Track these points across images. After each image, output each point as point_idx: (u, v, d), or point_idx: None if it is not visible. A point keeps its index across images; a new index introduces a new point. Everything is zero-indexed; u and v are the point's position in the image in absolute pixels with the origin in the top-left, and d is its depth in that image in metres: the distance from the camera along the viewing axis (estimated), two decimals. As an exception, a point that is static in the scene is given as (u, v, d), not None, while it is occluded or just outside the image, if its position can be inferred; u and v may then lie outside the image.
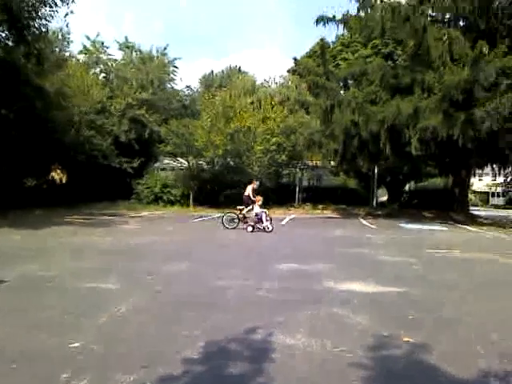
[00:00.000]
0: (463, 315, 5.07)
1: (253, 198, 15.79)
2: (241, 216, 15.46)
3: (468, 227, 19.04)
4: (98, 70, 33.24)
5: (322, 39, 23.25)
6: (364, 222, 20.52)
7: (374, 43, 31.19)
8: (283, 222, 19.26)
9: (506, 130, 17.55)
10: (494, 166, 25.01)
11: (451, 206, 24.29)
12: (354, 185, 34.25)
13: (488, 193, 61.37)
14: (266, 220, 14.64)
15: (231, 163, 27.71)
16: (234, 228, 15.24)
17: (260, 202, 15.17)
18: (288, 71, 43.32)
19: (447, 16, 22.28)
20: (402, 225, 19.22)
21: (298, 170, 31.29)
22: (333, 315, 4.91)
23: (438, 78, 18.89)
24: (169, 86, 35.24)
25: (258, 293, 5.87)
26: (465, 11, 19.98)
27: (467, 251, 10.86)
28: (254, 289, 6.09)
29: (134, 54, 34.60)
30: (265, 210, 14.97)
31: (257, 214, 14.85)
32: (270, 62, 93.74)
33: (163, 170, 31.08)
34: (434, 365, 3.54)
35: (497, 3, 18.61)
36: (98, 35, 33.36)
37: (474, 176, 30.54)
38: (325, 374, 3.34)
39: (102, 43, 33.21)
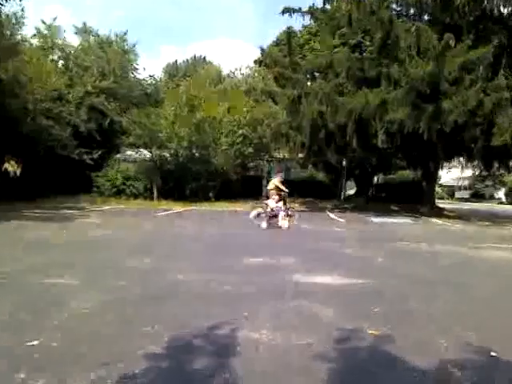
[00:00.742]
0: (427, 307, 5.03)
1: (285, 190, 15.38)
2: (268, 211, 14.41)
3: (435, 220, 19.31)
4: (56, 56, 31.94)
5: (288, 28, 23.05)
6: (332, 215, 20.51)
7: (342, 32, 31.09)
8: (250, 216, 18.98)
9: (472, 124, 17.78)
10: (461, 159, 25.41)
11: (419, 199, 24.60)
12: (323, 177, 34.26)
13: (454, 186, 62.80)
14: (283, 217, 13.86)
15: (196, 155, 27.19)
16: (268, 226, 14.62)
17: (276, 198, 14.51)
18: (255, 62, 42.99)
19: (412, 11, 22.44)
20: (370, 218, 19.32)
21: (265, 162, 31.08)
22: (298, 308, 4.80)
23: (405, 70, 18.95)
24: (131, 74, 34.27)
25: (223, 287, 5.68)
26: (428, 7, 20.17)
27: (433, 244, 10.92)
28: (220, 283, 5.89)
29: (92, 39, 33.44)
30: (280, 205, 14.21)
31: (272, 210, 14.20)
32: (236, 52, 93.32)
33: (125, 161, 30.10)
34: (397, 356, 3.49)
35: (458, 1, 18.74)
36: (54, 19, 32.07)
37: (442, 169, 31.05)
38: (289, 367, 3.27)
39: (59, 28, 31.93)
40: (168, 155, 27.69)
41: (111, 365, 3.18)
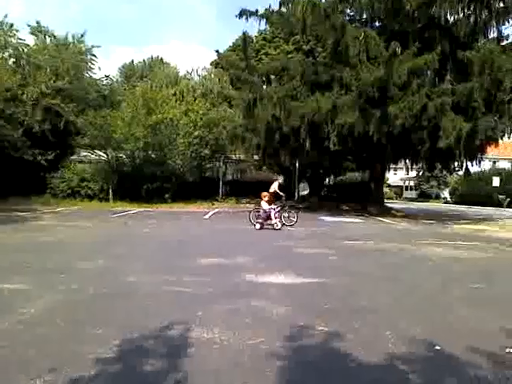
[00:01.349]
0: (375, 303, 5.29)
1: (281, 193, 15.88)
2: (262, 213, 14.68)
3: (383, 219, 20.04)
4: (6, 54, 30.79)
5: (244, 33, 23.28)
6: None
7: (296, 39, 31.78)
8: (206, 216, 19.18)
9: (418, 127, 18.63)
10: (407, 160, 26.46)
11: (368, 199, 25.43)
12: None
13: (402, 186, 65.08)
14: (275, 217, 14.27)
15: (153, 156, 27.05)
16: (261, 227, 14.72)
17: (266, 199, 14.73)
18: (211, 64, 43.04)
19: (364, 16, 23.21)
20: (322, 217, 19.85)
21: (221, 163, 31.25)
22: (251, 307, 4.94)
23: (356, 75, 19.62)
24: (86, 74, 33.55)
25: (176, 288, 5.77)
26: (380, 12, 20.95)
27: (381, 242, 11.40)
28: (173, 284, 5.98)
29: (48, 39, 32.55)
30: (273, 207, 14.57)
31: (265, 211, 14.41)
32: (193, 55, 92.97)
33: (80, 162, 29.59)
34: (347, 351, 3.66)
35: (408, 7, 19.60)
36: (5, 16, 30.94)
37: (389, 170, 32.23)
38: (241, 365, 3.34)
39: (11, 25, 30.84)
40: (124, 156, 27.46)
41: (58, 370, 3.16)
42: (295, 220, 15.35)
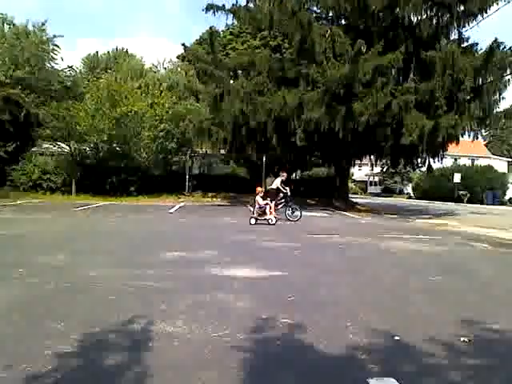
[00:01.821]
0: (337, 295, 5.39)
1: (283, 190, 15.49)
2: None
3: (348, 214, 20.37)
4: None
5: (210, 27, 23.20)
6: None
7: (263, 35, 31.84)
8: (172, 210, 19.02)
9: (382, 124, 19.00)
10: (372, 156, 26.94)
11: (333, 193, 25.78)
12: (244, 173, 34.79)
13: (367, 182, 66.34)
14: (270, 213, 14.25)
15: (117, 149, 26.62)
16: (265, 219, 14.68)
17: (262, 194, 14.61)
18: (177, 57, 42.63)
19: (330, 14, 23.43)
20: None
21: (187, 157, 31.01)
22: (215, 301, 4.94)
23: (322, 72, 19.81)
24: (48, 65, 32.54)
25: (140, 282, 5.71)
26: (346, 11, 21.19)
27: (345, 236, 11.59)
28: (136, 278, 5.91)
29: (6, 27, 31.37)
30: (268, 202, 14.44)
31: (260, 206, 14.31)
32: (159, 48, 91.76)
33: (42, 155, 28.80)
34: (309, 343, 3.71)
35: (373, 7, 19.88)
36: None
37: (354, 166, 32.74)
38: (203, 359, 3.33)
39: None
40: (88, 149, 26.98)
41: (14, 366, 3.07)
42: (300, 215, 15.32)
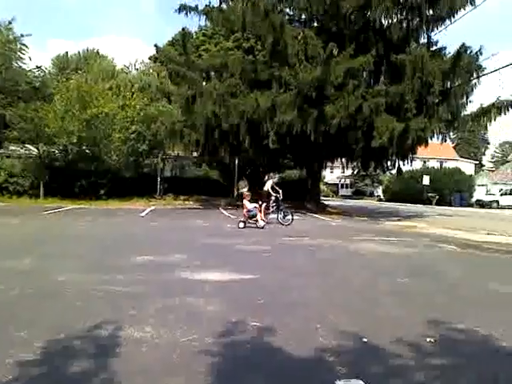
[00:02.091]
0: (307, 298, 5.41)
1: (273, 194, 15.39)
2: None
3: (319, 216, 20.53)
4: None
5: (183, 29, 23.04)
6: (224, 212, 20.96)
7: (236, 36, 31.84)
8: (143, 214, 18.81)
9: (353, 127, 19.23)
10: (343, 159, 27.25)
11: (305, 196, 25.94)
12: (217, 176, 34.68)
13: (338, 184, 67.08)
14: (261, 218, 14.18)
15: (87, 151, 26.17)
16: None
17: (249, 198, 14.54)
18: (150, 58, 42.25)
19: (303, 16, 23.63)
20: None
21: (159, 160, 30.69)
22: (185, 305, 4.91)
23: (294, 74, 19.94)
24: (16, 64, 31.76)
25: (108, 287, 5.61)
26: (318, 13, 21.40)
27: (316, 238, 11.70)
28: (105, 283, 5.81)
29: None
30: (256, 205, 14.34)
31: (249, 210, 14.17)
32: (131, 49, 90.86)
33: (9, 157, 28.00)
34: (278, 345, 3.71)
35: (344, 10, 20.14)
36: None
37: (326, 168, 33.07)
38: (171, 363, 3.30)
39: None
40: (57, 151, 26.43)
41: None
42: (291, 219, 15.27)
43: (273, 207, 15.60)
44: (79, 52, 54.80)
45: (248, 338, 3.92)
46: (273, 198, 15.58)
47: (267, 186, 15.93)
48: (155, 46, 24.41)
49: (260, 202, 14.82)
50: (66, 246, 9.34)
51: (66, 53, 54.87)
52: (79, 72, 32.56)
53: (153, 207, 22.82)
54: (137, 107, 27.17)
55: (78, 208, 20.72)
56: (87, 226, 13.64)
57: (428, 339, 3.97)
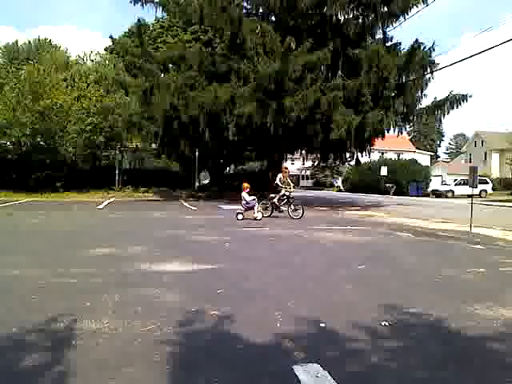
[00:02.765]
0: (265, 286, 5.46)
1: (281, 186, 15.04)
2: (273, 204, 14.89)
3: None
4: None
5: (139, 20, 22.59)
6: (185, 204, 20.83)
7: (194, 29, 31.51)
8: (101, 206, 18.45)
9: (312, 120, 19.44)
10: (303, 151, 27.50)
11: (267, 187, 26.04)
12: (177, 168, 34.43)
13: (299, 175, 67.75)
14: (258, 210, 14.15)
15: (42, 143, 25.40)
16: (269, 216, 14.80)
17: (248, 190, 14.37)
18: (105, 49, 41.22)
19: (261, 10, 23.59)
20: (221, 206, 20.08)
21: (117, 151, 30.13)
22: (144, 296, 4.86)
23: (253, 67, 19.94)
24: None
25: (64, 280, 5.49)
26: (276, 7, 21.42)
27: (276, 228, 11.84)
28: (61, 276, 5.68)
29: None
30: (255, 198, 14.26)
31: (247, 203, 14.05)
32: (86, 39, 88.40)
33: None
34: (237, 333, 3.73)
35: (302, 4, 20.24)
36: None
37: (286, 160, 33.27)
38: (129, 354, 3.27)
39: None
40: (8, 143, 25.56)
41: None
42: (302, 213, 14.93)
43: (283, 200, 15.25)
44: (30, 41, 52.65)
45: (207, 326, 3.92)
46: (282, 191, 15.24)
47: (277, 180, 15.69)
48: (110, 37, 23.89)
49: (273, 195, 15.16)
50: (20, 240, 9.10)
51: (16, 41, 52.58)
52: (31, 62, 31.48)
53: (111, 199, 22.42)
54: (93, 99, 26.55)
55: (33, 201, 20.11)
56: (42, 219, 13.27)
57: (383, 323, 4.08)
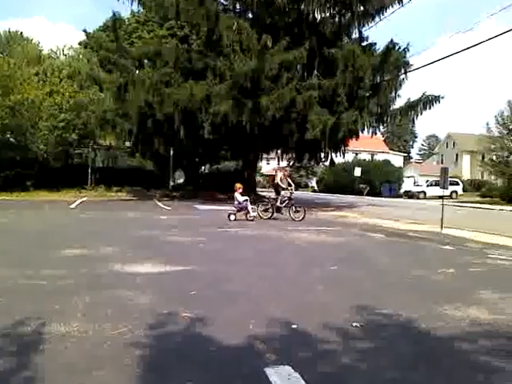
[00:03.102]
0: (238, 287, 5.45)
1: (282, 186, 14.78)
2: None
3: (255, 207, 20.59)
4: None
5: (114, 14, 22.26)
6: (159, 203, 20.63)
7: (170, 24, 31.23)
8: (73, 206, 18.13)
9: (287, 119, 19.50)
10: (279, 150, 27.58)
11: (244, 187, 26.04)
12: (152, 167, 34.07)
13: (274, 175, 67.69)
14: (252, 209, 13.94)
15: (11, 140, 24.80)
16: (269, 218, 14.49)
17: (241, 190, 14.16)
18: (79, 44, 40.50)
19: (238, 6, 23.56)
20: (196, 206, 19.96)
21: (90, 149, 29.63)
22: (115, 298, 4.78)
23: (229, 65, 19.88)
24: None
25: (33, 281, 5.36)
26: (253, 4, 21.42)
27: (256, 229, 11.84)
28: (30, 278, 5.54)
29: None
30: (247, 198, 13.99)
31: (239, 203, 13.79)
32: (59, 33, 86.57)
33: None
34: (208, 335, 3.70)
35: (279, 1, 20.27)
36: None
37: (262, 160, 33.37)
38: (99, 357, 3.20)
39: None
40: (-24, 140, 24.83)
41: None
42: (303, 215, 14.57)
43: (284, 201, 14.96)
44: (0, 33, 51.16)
45: (179, 329, 3.88)
46: (283, 192, 15.04)
47: (277, 179, 15.49)
48: (84, 31, 23.55)
49: (273, 196, 15.07)
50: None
51: (-16, 33, 50.99)
52: (1, 55, 30.69)
53: (84, 199, 22.04)
54: (66, 94, 26.05)
55: (2, 200, 19.61)
56: (11, 219, 12.98)
57: (355, 324, 4.10)
